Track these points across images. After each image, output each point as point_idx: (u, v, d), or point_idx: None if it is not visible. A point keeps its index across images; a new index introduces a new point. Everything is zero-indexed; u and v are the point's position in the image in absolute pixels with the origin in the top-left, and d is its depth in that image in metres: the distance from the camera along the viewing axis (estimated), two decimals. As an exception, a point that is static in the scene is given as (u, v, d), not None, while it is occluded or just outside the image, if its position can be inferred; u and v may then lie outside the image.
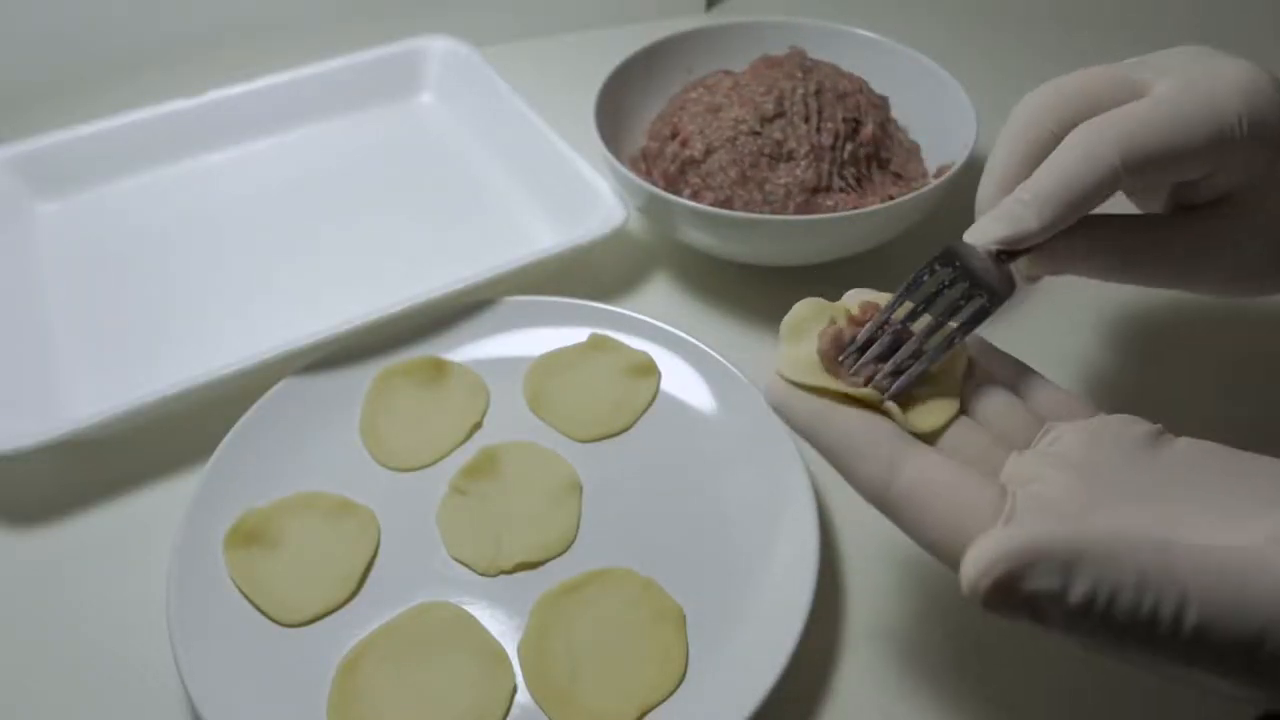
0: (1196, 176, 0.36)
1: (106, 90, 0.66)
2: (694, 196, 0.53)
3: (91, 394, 0.50)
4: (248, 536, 0.43)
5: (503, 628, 0.40)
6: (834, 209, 0.52)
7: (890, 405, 0.32)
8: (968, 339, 0.34)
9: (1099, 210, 0.35)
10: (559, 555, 0.43)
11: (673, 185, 0.54)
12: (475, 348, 0.51)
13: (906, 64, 0.60)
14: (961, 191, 0.59)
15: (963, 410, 0.33)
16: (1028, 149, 0.35)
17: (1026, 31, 0.78)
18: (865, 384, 0.32)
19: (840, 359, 0.32)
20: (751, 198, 0.53)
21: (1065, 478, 0.29)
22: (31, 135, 0.61)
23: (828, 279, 0.53)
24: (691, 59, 0.62)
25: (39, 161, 0.61)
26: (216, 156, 0.65)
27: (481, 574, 0.42)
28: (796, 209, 0.52)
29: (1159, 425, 0.31)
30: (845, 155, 0.53)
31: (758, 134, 0.53)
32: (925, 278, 0.34)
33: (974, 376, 0.34)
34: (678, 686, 0.38)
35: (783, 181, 0.52)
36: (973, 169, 0.63)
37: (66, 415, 0.47)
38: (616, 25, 0.77)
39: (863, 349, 0.33)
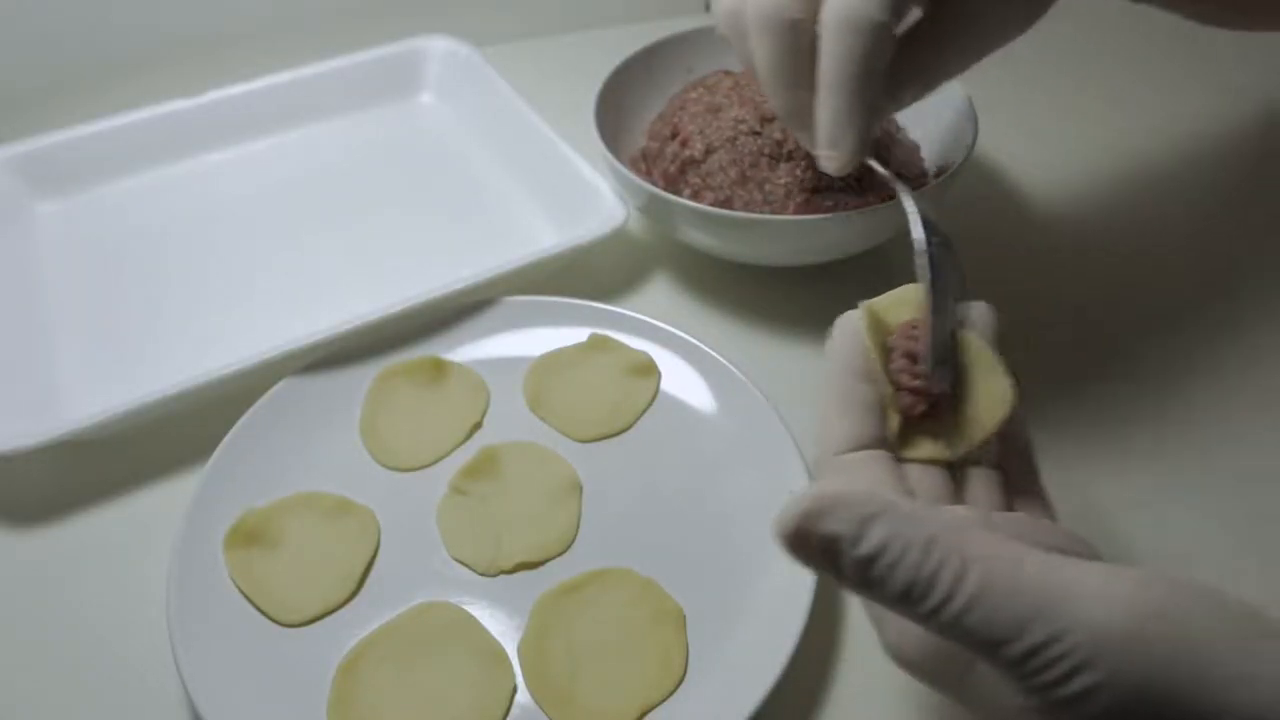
0: None
1: (106, 90, 0.66)
2: (694, 196, 0.53)
3: (91, 394, 0.50)
4: (248, 536, 0.43)
5: (503, 628, 0.40)
6: (834, 209, 0.52)
7: (895, 413, 0.32)
8: (1017, 411, 0.33)
9: None
10: (559, 555, 0.43)
11: (673, 185, 0.54)
12: (475, 348, 0.51)
13: (906, 64, 0.60)
14: (962, 191, 0.59)
15: (950, 465, 0.33)
16: (787, 40, 0.36)
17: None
18: (897, 383, 0.32)
19: (911, 371, 0.33)
20: (751, 198, 0.53)
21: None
22: (31, 135, 0.61)
23: (827, 279, 0.53)
24: (691, 59, 0.62)
25: (39, 161, 0.61)
26: (216, 156, 0.65)
27: (481, 574, 0.42)
28: (796, 209, 0.52)
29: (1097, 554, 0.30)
30: (845, 155, 0.53)
31: (758, 134, 0.53)
32: (935, 255, 0.34)
33: (981, 451, 0.33)
34: (678, 686, 0.38)
35: (783, 181, 0.52)
36: (973, 169, 0.63)
37: (66, 415, 0.47)
38: (616, 25, 0.77)
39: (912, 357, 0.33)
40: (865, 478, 0.30)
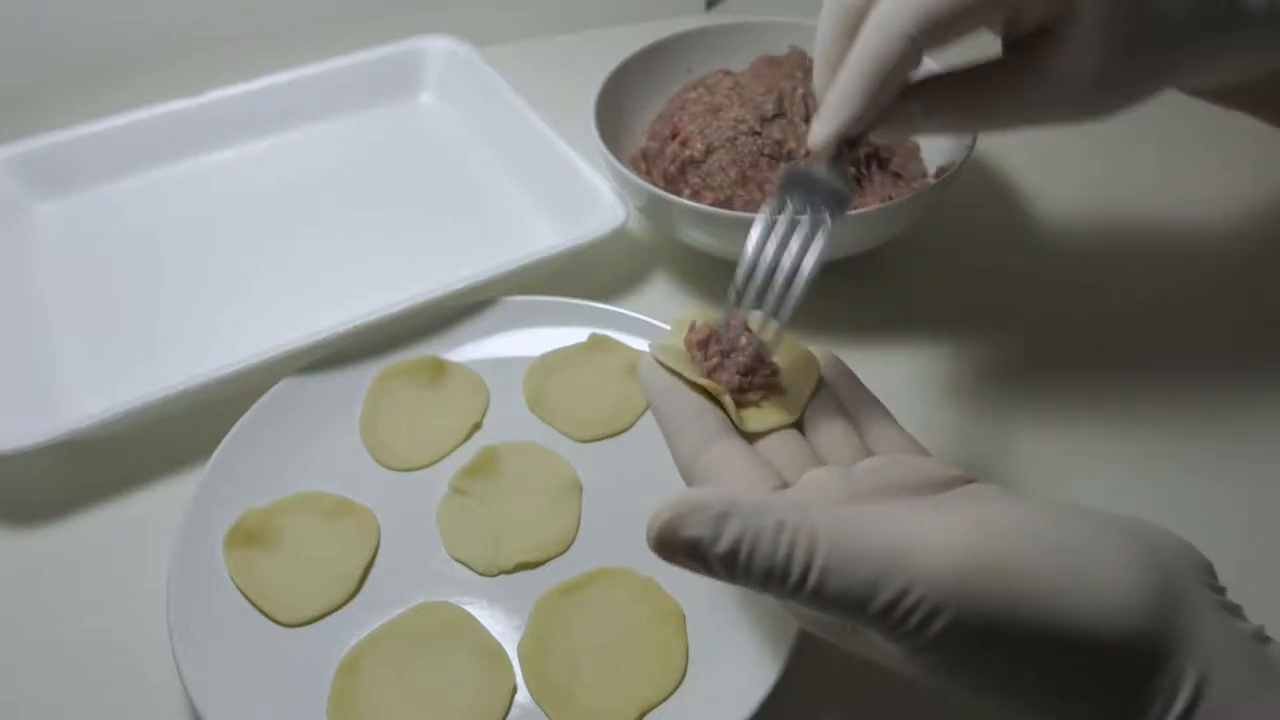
0: (998, 21, 0.37)
1: (106, 90, 0.66)
2: (694, 196, 0.53)
3: (91, 394, 0.50)
4: (248, 536, 0.43)
5: (503, 628, 0.40)
6: (834, 209, 0.52)
7: (727, 400, 0.34)
8: (830, 363, 0.36)
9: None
10: (559, 555, 0.43)
11: (673, 185, 0.54)
12: (475, 348, 0.51)
13: (906, 64, 0.60)
14: (961, 191, 0.59)
15: (800, 426, 0.35)
16: (842, 25, 0.36)
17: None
18: (709, 376, 0.34)
19: (705, 357, 0.35)
20: (751, 198, 0.53)
21: (834, 486, 0.30)
22: (31, 135, 0.61)
23: (827, 279, 0.53)
24: (691, 59, 0.62)
25: (38, 161, 0.61)
26: (216, 156, 0.65)
27: (481, 574, 0.42)
28: (796, 209, 0.52)
29: (964, 474, 0.31)
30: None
31: (758, 134, 0.53)
32: (778, 216, 0.36)
33: (821, 404, 0.35)
34: (678, 686, 0.38)
35: (783, 181, 0.52)
36: (973, 169, 0.63)
37: (66, 415, 0.47)
38: (616, 25, 0.77)
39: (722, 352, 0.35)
40: (728, 472, 0.31)
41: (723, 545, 0.27)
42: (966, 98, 0.38)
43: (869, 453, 0.34)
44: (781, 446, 0.34)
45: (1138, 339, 0.53)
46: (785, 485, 0.31)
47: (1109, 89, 0.37)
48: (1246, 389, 0.51)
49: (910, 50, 0.34)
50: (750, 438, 0.34)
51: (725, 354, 0.35)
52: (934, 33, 0.34)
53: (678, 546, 0.28)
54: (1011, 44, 0.38)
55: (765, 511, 0.27)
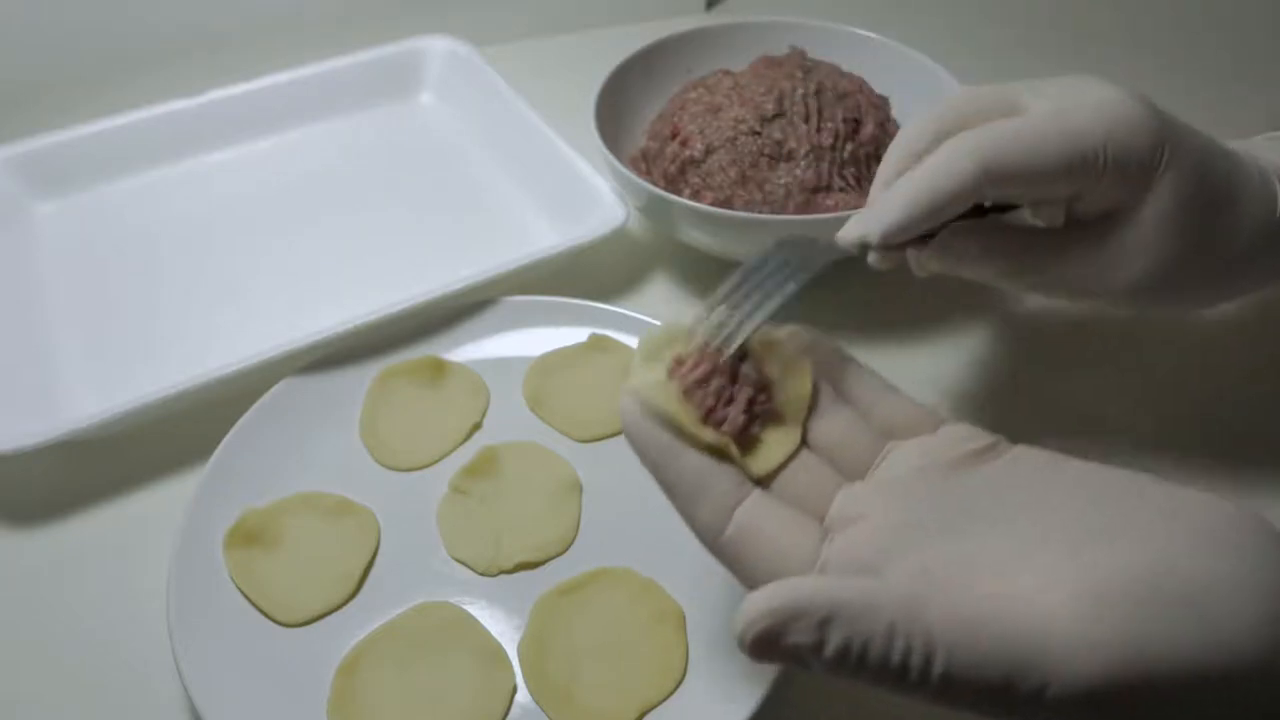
0: (1062, 195, 0.37)
1: (106, 90, 0.66)
2: (694, 196, 0.53)
3: (91, 394, 0.50)
4: (248, 536, 0.43)
5: (502, 628, 0.40)
6: (834, 209, 0.52)
7: (733, 449, 0.31)
8: (808, 345, 0.34)
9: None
10: (559, 555, 0.43)
11: (673, 185, 0.54)
12: (475, 348, 0.51)
13: (906, 64, 0.60)
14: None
15: (805, 442, 0.33)
16: (907, 157, 0.37)
17: (1027, 31, 0.78)
18: (706, 419, 0.31)
19: (704, 397, 0.31)
20: (751, 197, 0.53)
21: (881, 516, 0.30)
22: (31, 135, 0.61)
23: (826, 278, 0.53)
24: (691, 59, 0.62)
25: (38, 161, 0.61)
26: (216, 156, 0.65)
27: (481, 574, 0.42)
28: (796, 209, 0.52)
29: (996, 437, 0.31)
30: (845, 155, 0.53)
31: (758, 134, 0.53)
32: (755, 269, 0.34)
33: (818, 405, 0.33)
34: (678, 686, 0.38)
35: (783, 181, 0.52)
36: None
37: (66, 415, 0.47)
38: (616, 25, 0.77)
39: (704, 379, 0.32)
40: (765, 543, 0.30)
41: (829, 653, 0.25)
42: (1029, 257, 0.38)
43: (882, 437, 0.33)
44: (799, 477, 0.32)
45: (1138, 336, 0.53)
46: (824, 529, 0.30)
47: (1166, 287, 0.38)
48: (1259, 384, 0.50)
49: (967, 187, 0.35)
50: (763, 480, 0.32)
51: (724, 391, 0.31)
52: (997, 181, 0.35)
53: (777, 654, 0.26)
54: (1074, 222, 0.38)
55: (873, 614, 0.26)
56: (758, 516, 0.30)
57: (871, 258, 0.37)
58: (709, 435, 0.31)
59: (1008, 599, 0.26)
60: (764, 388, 0.32)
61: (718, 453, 0.31)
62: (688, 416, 0.31)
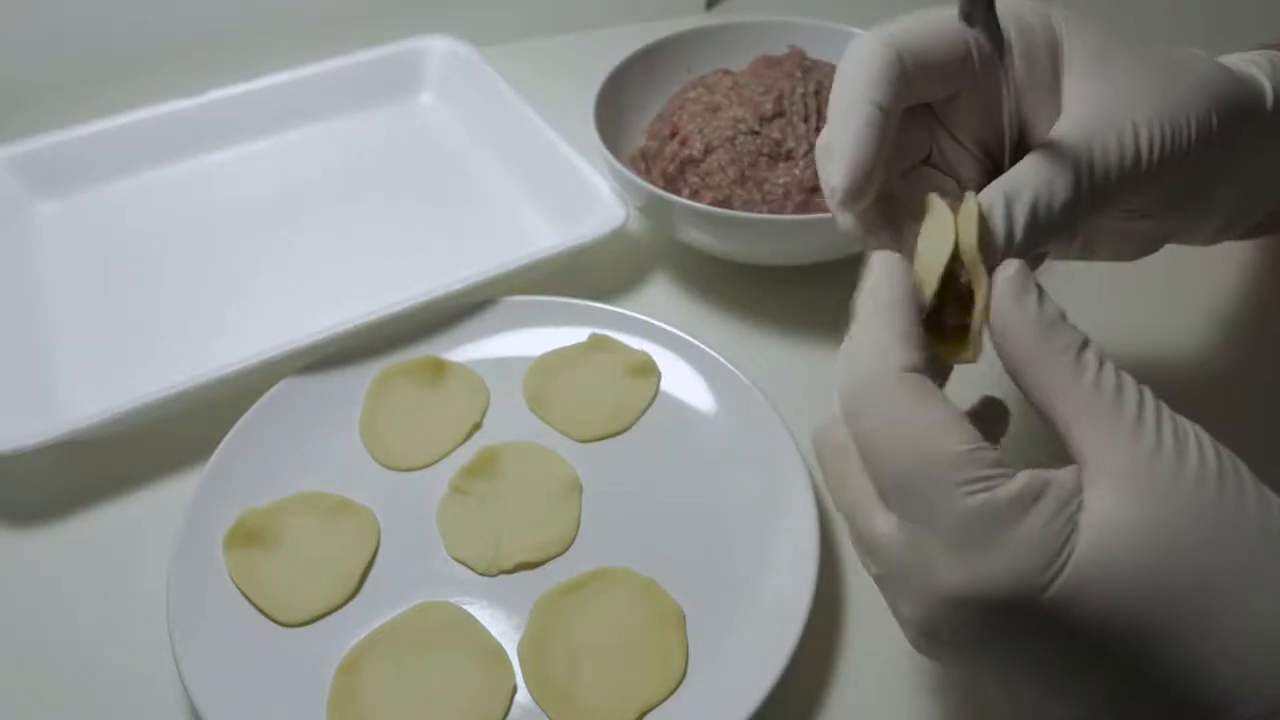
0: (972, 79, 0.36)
1: (106, 90, 0.66)
2: (693, 196, 0.53)
3: (91, 394, 0.50)
4: (247, 536, 0.43)
5: (503, 628, 0.40)
6: (834, 209, 0.52)
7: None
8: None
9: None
10: (559, 555, 0.43)
11: (672, 185, 0.54)
12: (475, 348, 0.51)
13: (906, 64, 0.60)
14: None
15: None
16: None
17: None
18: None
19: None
20: (750, 197, 0.53)
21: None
22: (31, 135, 0.61)
23: (827, 278, 0.53)
24: (691, 59, 0.62)
25: (39, 161, 0.61)
26: (216, 156, 0.65)
27: (481, 574, 0.42)
28: (796, 209, 0.52)
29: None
30: (845, 155, 0.53)
31: (757, 133, 0.53)
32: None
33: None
34: (678, 686, 0.38)
35: (782, 181, 0.52)
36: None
37: (66, 415, 0.47)
38: (616, 25, 0.77)
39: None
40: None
41: None
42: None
43: None
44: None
45: (1138, 333, 0.53)
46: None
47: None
48: (1257, 379, 0.50)
49: (887, 56, 0.35)
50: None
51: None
52: (910, 47, 0.35)
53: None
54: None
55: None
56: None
57: (843, 221, 0.34)
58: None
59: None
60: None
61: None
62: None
